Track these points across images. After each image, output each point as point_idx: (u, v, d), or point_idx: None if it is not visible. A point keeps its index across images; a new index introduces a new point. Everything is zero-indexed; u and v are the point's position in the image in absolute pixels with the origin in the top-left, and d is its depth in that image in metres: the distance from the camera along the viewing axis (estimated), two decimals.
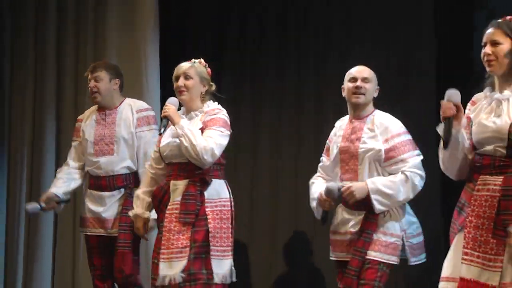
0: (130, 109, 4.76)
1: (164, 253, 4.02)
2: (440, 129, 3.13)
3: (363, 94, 4.03)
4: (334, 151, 4.09)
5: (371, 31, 5.38)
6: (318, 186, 4.13)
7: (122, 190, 4.69)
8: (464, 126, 3.18)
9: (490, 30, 3.16)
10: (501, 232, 3.01)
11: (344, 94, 4.12)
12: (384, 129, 3.98)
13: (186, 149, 3.99)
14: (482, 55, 3.16)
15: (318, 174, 4.25)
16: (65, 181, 4.83)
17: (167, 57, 5.48)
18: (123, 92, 4.87)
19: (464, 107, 3.20)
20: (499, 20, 3.17)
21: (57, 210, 4.96)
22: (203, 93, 4.21)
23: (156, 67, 5.58)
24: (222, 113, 4.15)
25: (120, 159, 4.68)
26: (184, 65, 4.19)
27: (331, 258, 4.12)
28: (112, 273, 4.65)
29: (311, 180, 4.22)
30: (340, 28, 5.49)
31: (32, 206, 4.86)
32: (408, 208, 4.07)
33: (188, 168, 4.08)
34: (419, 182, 3.94)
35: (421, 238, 4.05)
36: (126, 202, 4.62)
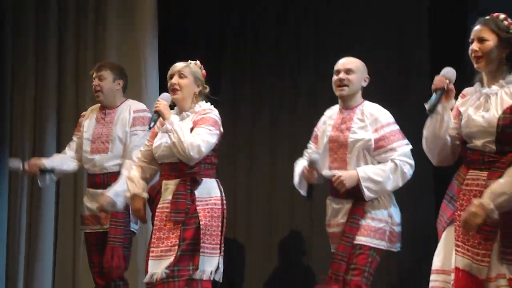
0: (128, 110, 4.78)
1: (153, 251, 4.04)
2: (428, 103, 3.15)
3: (347, 85, 4.08)
4: (323, 139, 4.13)
5: (371, 31, 5.37)
6: (301, 163, 4.19)
7: None
8: (453, 115, 3.23)
9: (477, 27, 3.19)
10: (487, 227, 3.01)
11: None
12: (373, 120, 4.05)
13: (174, 145, 4.00)
14: (469, 51, 3.19)
15: (304, 158, 4.27)
16: (58, 159, 4.92)
17: (166, 57, 5.47)
18: (124, 93, 4.89)
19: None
20: (486, 17, 3.19)
21: (40, 181, 4.89)
22: (196, 93, 4.21)
23: (155, 67, 5.60)
24: (213, 113, 4.15)
25: (113, 157, 4.71)
26: (179, 64, 4.22)
27: (332, 250, 4.12)
28: None
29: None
30: (340, 28, 5.48)
31: (15, 162, 4.91)
32: (393, 198, 4.11)
33: (179, 167, 4.08)
34: (408, 171, 4.00)
35: (400, 228, 4.09)
36: None
